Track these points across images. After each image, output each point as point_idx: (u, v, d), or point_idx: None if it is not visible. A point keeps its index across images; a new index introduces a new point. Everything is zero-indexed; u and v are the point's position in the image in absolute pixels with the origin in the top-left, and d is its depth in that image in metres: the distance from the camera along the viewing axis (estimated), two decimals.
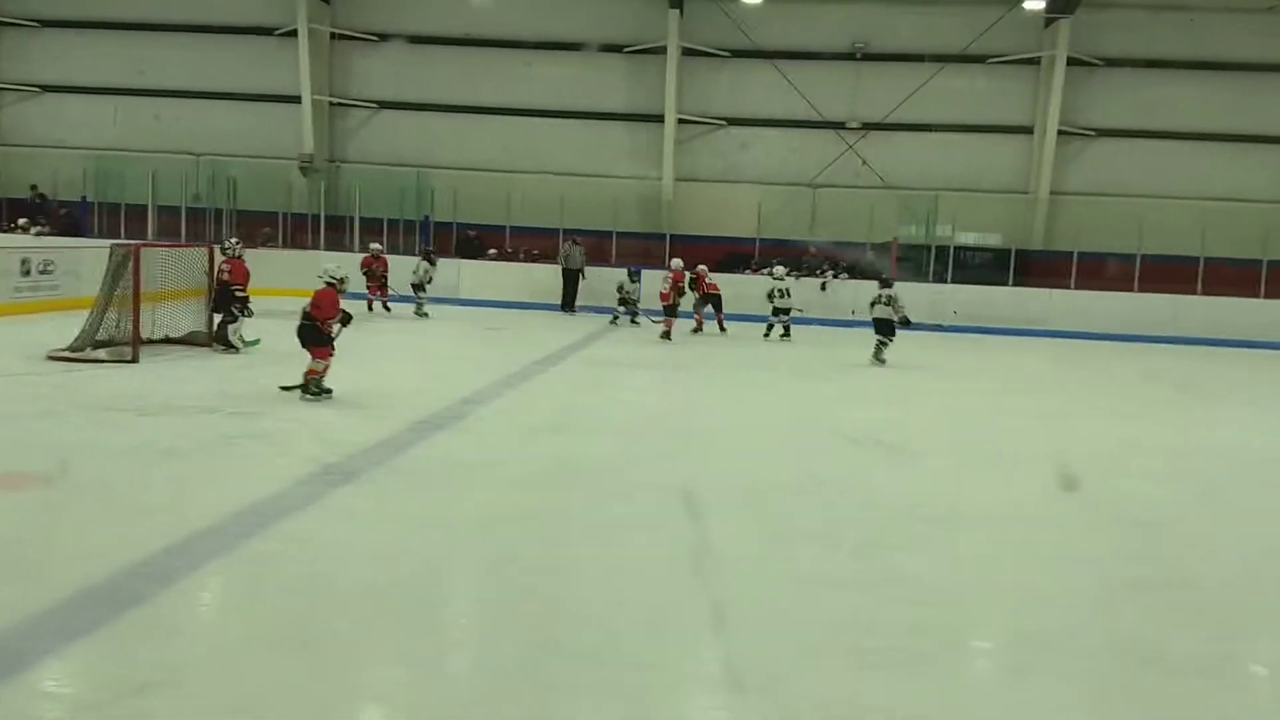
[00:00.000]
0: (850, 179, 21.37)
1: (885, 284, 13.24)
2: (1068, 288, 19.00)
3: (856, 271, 19.65)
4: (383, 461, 6.65)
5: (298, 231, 21.58)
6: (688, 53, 21.32)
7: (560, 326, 16.30)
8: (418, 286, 16.86)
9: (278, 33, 21.88)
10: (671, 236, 20.98)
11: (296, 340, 8.43)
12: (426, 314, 16.64)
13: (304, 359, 8.45)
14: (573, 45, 21.81)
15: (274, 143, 22.29)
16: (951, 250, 20.11)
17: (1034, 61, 20.81)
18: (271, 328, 10.91)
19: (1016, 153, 21.33)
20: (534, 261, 20.17)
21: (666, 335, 14.68)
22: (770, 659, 3.85)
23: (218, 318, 11.38)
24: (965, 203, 20.58)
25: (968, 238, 21.10)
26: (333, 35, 22.19)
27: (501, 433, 7.85)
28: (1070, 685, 3.73)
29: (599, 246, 20.29)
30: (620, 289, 17.07)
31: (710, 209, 21.49)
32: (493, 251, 20.48)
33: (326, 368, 8.50)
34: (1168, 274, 18.61)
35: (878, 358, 12.76)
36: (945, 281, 19.55)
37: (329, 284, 8.56)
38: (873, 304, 13.04)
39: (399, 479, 6.29)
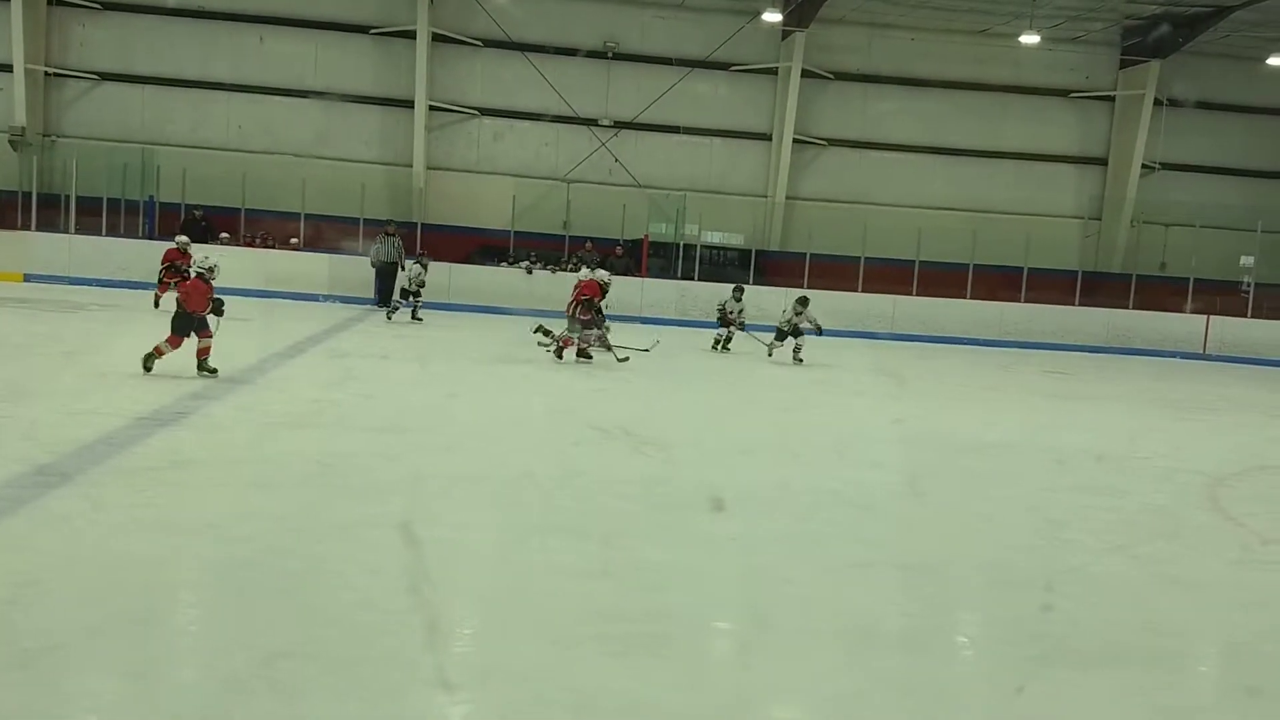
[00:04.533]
0: (603, 175, 21.79)
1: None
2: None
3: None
4: (102, 461, 6.15)
5: (6, 210, 19.54)
6: (439, 39, 21.00)
7: (304, 317, 15.63)
8: (411, 293, 15.84)
9: None
10: (423, 225, 20.62)
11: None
12: (421, 319, 15.77)
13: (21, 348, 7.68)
14: (313, 23, 20.98)
15: None
16: (698, 249, 20.93)
17: (772, 72, 21.98)
18: None
19: (757, 158, 22.47)
20: (271, 248, 19.24)
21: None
22: (519, 650, 3.88)
23: None
24: (711, 204, 21.49)
25: (713, 237, 22.04)
26: (50, 1, 20.22)
27: (236, 429, 7.43)
28: (797, 662, 4.00)
29: (345, 232, 19.65)
30: (721, 309, 15.45)
31: (463, 199, 21.30)
32: (225, 236, 19.34)
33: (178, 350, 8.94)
34: (888, 275, 20.19)
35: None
36: (693, 279, 20.29)
37: (198, 275, 9.15)
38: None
39: (121, 480, 5.83)
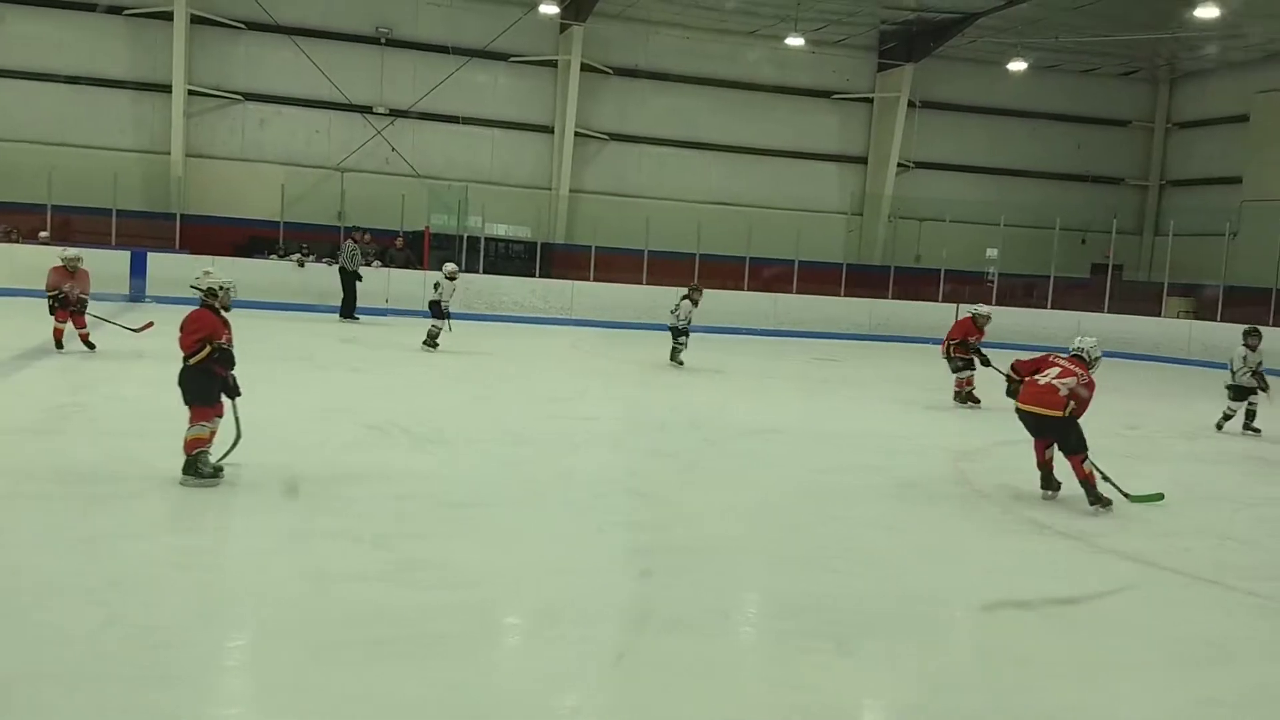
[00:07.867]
0: (380, 165, 21.23)
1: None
2: (588, 279, 20.33)
3: (386, 260, 19.52)
4: None
5: None
6: (198, 20, 19.82)
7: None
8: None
9: None
10: (183, 216, 19.43)
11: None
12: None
13: None
14: (60, 3, 19.41)
15: None
16: (483, 241, 20.70)
17: (552, 64, 22.02)
18: None
19: (540, 150, 22.48)
20: (15, 241, 17.65)
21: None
22: (278, 659, 3.73)
23: None
24: (494, 195, 21.29)
25: (498, 229, 21.86)
26: None
27: None
28: (578, 651, 4.02)
29: (97, 226, 18.26)
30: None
31: (227, 188, 20.23)
32: None
33: (212, 433, 6.04)
34: (670, 268, 20.62)
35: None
36: (478, 271, 20.04)
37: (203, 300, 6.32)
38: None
39: None
